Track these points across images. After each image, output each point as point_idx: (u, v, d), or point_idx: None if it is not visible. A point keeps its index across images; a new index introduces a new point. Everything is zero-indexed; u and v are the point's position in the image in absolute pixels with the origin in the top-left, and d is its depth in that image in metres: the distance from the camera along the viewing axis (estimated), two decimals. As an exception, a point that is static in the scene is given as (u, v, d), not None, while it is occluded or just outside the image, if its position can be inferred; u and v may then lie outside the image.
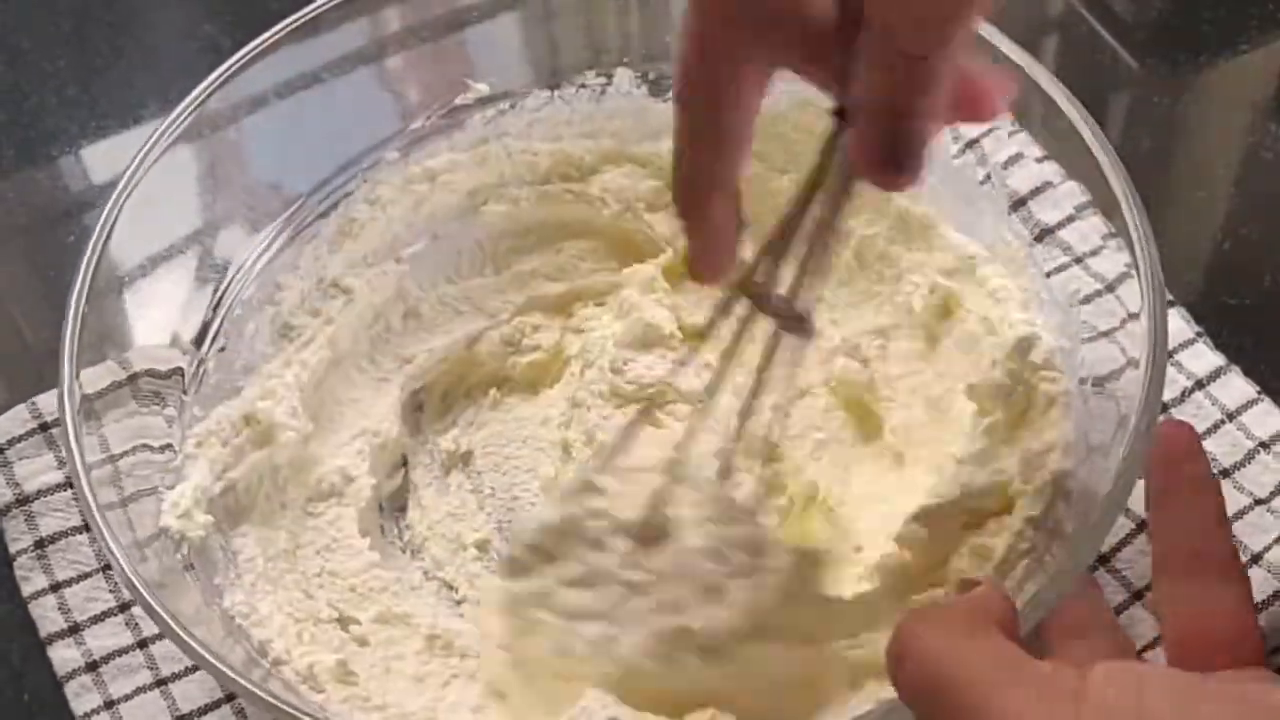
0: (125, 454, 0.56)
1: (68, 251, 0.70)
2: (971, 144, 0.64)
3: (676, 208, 0.48)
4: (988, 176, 0.63)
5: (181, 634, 0.49)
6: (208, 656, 0.49)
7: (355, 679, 0.55)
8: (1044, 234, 0.61)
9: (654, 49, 0.68)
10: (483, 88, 0.66)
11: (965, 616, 0.43)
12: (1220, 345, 0.63)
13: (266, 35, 0.61)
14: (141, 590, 0.50)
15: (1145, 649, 0.56)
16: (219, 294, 0.62)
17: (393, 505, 0.64)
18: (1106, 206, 0.57)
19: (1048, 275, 0.60)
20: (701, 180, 0.46)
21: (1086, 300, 0.58)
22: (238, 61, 0.61)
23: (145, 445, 0.57)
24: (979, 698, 0.40)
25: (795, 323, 0.49)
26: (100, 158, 0.76)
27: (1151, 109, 0.73)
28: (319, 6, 0.63)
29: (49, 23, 0.80)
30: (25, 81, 0.78)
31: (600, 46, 0.67)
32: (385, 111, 0.66)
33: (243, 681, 0.49)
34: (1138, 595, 0.57)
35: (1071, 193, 0.62)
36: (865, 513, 0.60)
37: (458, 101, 0.66)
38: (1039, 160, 0.64)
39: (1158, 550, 0.55)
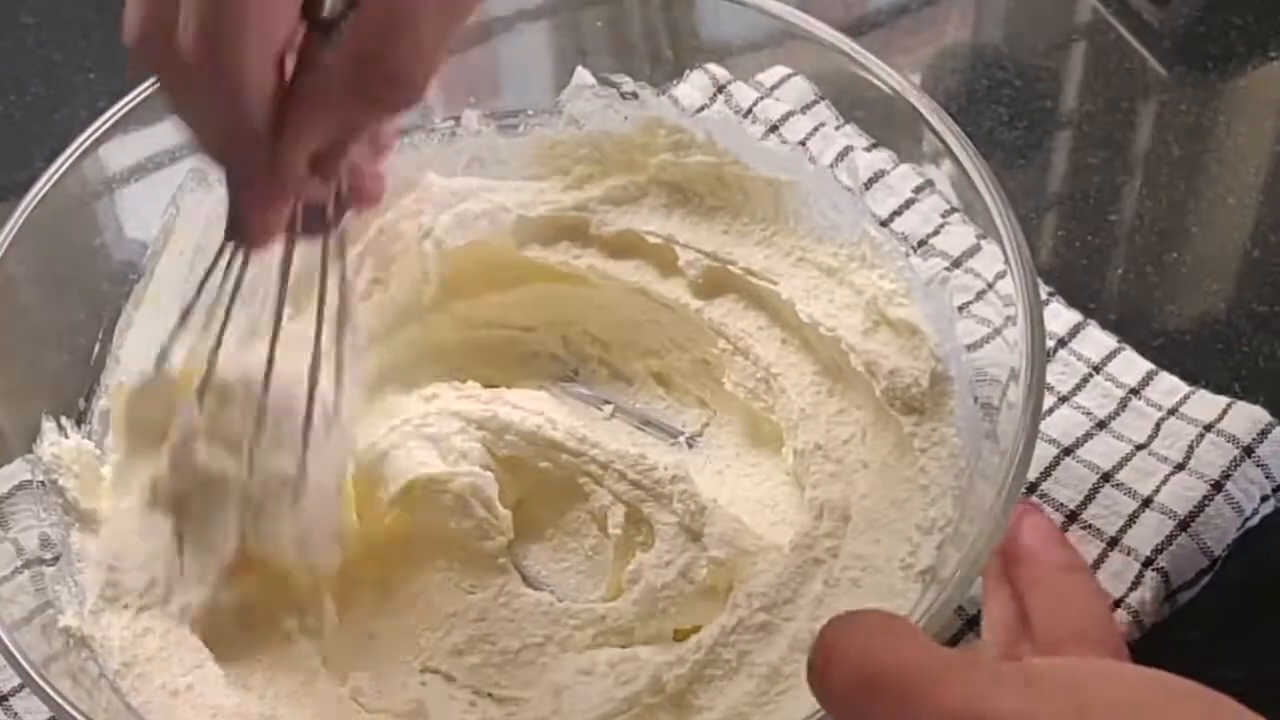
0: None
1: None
2: (802, 144, 0.64)
3: (210, 155, 0.44)
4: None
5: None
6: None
7: None
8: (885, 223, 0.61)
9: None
10: None
11: (885, 619, 0.42)
12: (1249, 352, 0.63)
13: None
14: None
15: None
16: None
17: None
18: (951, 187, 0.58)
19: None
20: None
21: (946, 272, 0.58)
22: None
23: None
24: (925, 684, 0.38)
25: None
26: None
27: (1180, 116, 0.73)
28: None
29: (80, 36, 0.81)
30: (56, 94, 0.78)
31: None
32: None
33: None
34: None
35: (906, 176, 0.63)
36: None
37: None
38: (867, 149, 0.64)
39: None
